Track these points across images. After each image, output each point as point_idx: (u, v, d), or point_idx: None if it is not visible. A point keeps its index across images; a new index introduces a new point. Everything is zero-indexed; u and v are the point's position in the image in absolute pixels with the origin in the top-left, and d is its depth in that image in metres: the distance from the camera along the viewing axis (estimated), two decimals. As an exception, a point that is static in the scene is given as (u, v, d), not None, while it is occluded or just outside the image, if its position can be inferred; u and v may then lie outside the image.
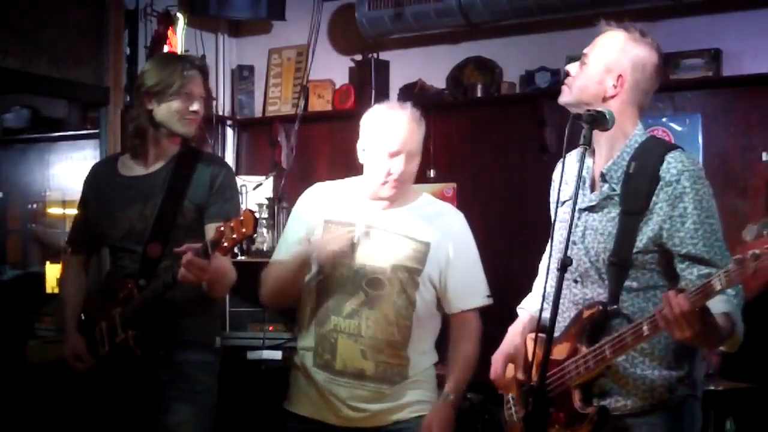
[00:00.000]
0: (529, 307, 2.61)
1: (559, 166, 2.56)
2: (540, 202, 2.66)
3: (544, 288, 2.36)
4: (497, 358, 2.55)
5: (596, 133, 2.29)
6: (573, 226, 2.29)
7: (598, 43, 2.45)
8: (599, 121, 2.24)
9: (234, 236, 2.47)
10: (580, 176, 2.25)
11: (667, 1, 4.34)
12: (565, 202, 2.41)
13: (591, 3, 4.39)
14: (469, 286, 2.72)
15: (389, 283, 2.63)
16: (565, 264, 2.15)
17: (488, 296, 2.75)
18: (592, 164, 2.41)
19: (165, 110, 2.82)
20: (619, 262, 2.29)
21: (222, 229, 2.50)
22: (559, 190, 2.38)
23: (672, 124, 4.38)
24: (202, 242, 2.65)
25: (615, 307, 2.30)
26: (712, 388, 3.49)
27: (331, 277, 2.66)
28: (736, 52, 4.31)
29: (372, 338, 2.61)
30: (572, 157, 2.42)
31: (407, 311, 2.64)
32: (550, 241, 2.47)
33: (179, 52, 4.83)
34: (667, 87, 4.37)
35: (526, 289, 2.73)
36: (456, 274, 2.69)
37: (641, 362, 2.30)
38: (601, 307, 2.32)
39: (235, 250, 2.59)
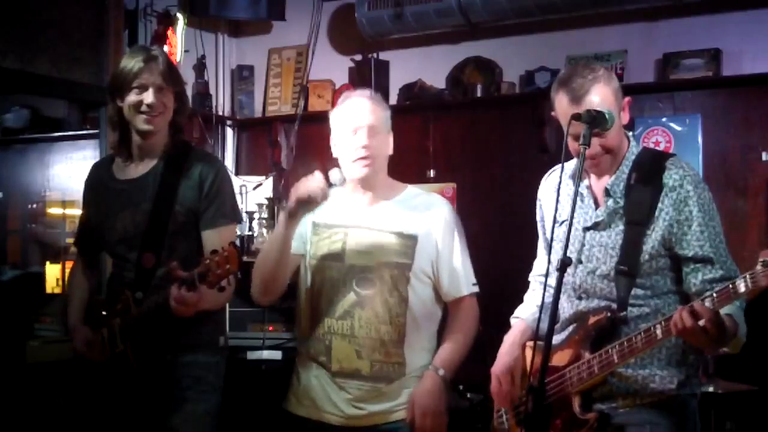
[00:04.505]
0: (522, 316, 2.61)
1: (543, 184, 2.58)
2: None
3: (542, 299, 2.37)
4: (497, 372, 2.55)
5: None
6: (580, 245, 2.34)
7: (599, 99, 2.32)
8: (599, 121, 2.24)
9: (219, 271, 2.43)
10: (579, 175, 2.25)
11: (667, 1, 4.34)
12: (563, 222, 2.39)
13: (591, 3, 4.39)
14: (461, 273, 2.70)
15: (379, 281, 2.63)
16: (565, 264, 2.15)
17: (474, 284, 2.73)
18: (589, 183, 2.44)
19: (126, 106, 2.76)
20: (628, 270, 2.30)
21: (207, 262, 2.45)
22: (556, 210, 2.34)
23: (672, 124, 4.38)
24: (198, 249, 2.64)
25: (624, 313, 2.30)
26: (712, 389, 3.49)
27: (322, 280, 2.67)
28: (736, 52, 4.31)
29: (366, 338, 2.61)
30: (556, 174, 2.42)
31: (400, 308, 2.63)
32: (544, 258, 2.48)
33: (179, 53, 4.84)
34: (667, 87, 4.41)
35: (525, 288, 2.73)
36: (447, 262, 2.68)
37: (650, 363, 2.31)
38: (608, 314, 2.31)
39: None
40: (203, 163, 2.83)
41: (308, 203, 2.49)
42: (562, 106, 2.32)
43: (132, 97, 2.74)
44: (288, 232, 2.57)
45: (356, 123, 2.65)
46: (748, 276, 1.97)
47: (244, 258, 4.77)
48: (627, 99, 2.38)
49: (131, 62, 2.75)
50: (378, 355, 2.62)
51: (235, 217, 2.88)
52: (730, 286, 2.01)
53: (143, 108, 2.74)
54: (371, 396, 2.63)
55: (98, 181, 2.96)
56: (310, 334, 2.69)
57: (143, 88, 2.73)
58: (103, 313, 2.83)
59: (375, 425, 2.65)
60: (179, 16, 4.89)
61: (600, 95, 2.29)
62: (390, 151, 2.73)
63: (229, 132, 5.62)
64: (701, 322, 2.04)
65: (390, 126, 2.73)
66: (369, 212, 2.70)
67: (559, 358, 2.37)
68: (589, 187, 2.43)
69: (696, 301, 2.08)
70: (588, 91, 2.29)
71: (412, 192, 2.78)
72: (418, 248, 2.65)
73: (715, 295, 2.04)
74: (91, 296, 3.00)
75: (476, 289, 2.73)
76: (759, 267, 1.95)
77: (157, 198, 2.78)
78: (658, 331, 2.15)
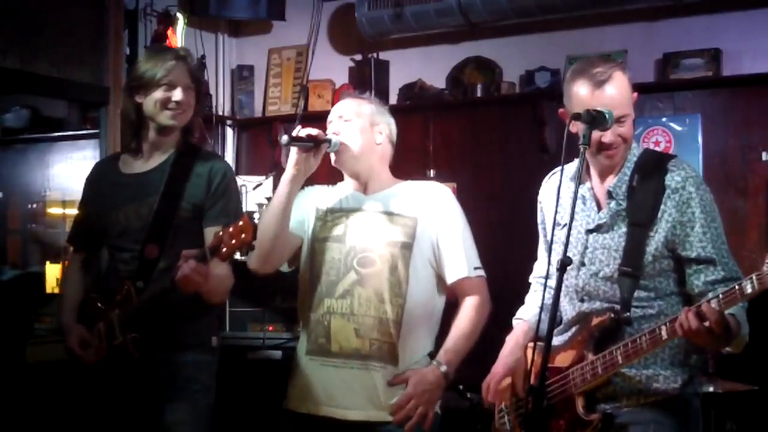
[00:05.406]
0: (524, 317, 2.61)
1: (544, 186, 2.58)
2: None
3: (542, 300, 2.36)
4: (499, 372, 2.55)
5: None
6: (583, 248, 2.35)
7: (620, 95, 2.33)
8: (599, 121, 2.24)
9: (233, 242, 2.45)
10: (579, 176, 2.25)
11: (667, 1, 4.34)
12: (564, 225, 2.38)
13: (591, 3, 4.39)
14: (462, 254, 2.70)
15: (380, 260, 2.65)
16: (564, 264, 2.15)
17: (477, 268, 2.72)
18: (591, 185, 2.43)
19: (150, 102, 2.80)
20: (631, 271, 2.30)
21: (221, 234, 2.48)
22: (556, 212, 2.34)
23: (672, 124, 4.38)
24: (199, 247, 2.65)
25: (627, 314, 2.29)
26: (713, 389, 3.49)
27: (322, 262, 2.69)
28: (736, 52, 4.31)
29: (365, 316, 2.63)
30: (557, 176, 2.42)
31: (400, 289, 2.64)
32: (545, 260, 2.48)
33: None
34: (667, 87, 4.41)
35: (526, 289, 2.73)
36: (447, 243, 2.69)
37: (653, 363, 2.31)
38: (612, 315, 2.31)
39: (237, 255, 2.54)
40: (212, 162, 2.88)
41: (307, 142, 2.56)
42: (580, 94, 2.30)
43: (159, 94, 2.78)
44: (291, 188, 2.61)
45: (328, 119, 2.78)
46: (754, 277, 1.97)
47: (244, 258, 4.77)
48: (634, 93, 2.39)
49: (160, 60, 2.81)
50: (375, 334, 2.63)
51: (237, 217, 2.88)
52: (737, 287, 2.01)
53: (171, 105, 2.79)
54: (368, 380, 2.63)
55: (102, 176, 2.99)
56: (311, 317, 2.70)
57: (172, 86, 2.78)
58: (100, 305, 2.84)
59: (374, 422, 2.65)
60: (179, 15, 4.89)
61: (620, 81, 2.31)
62: (376, 141, 2.76)
63: (229, 132, 5.62)
64: (707, 323, 2.04)
65: (376, 120, 2.76)
66: (369, 199, 2.75)
67: (562, 359, 2.37)
68: (591, 190, 2.43)
69: (702, 302, 2.08)
70: (611, 76, 2.30)
71: (411, 182, 2.82)
72: (419, 229, 2.68)
73: (721, 296, 2.04)
74: (86, 294, 3.00)
75: (481, 272, 2.73)
76: (765, 268, 1.95)
77: (164, 192, 2.80)
78: (663, 332, 2.15)
